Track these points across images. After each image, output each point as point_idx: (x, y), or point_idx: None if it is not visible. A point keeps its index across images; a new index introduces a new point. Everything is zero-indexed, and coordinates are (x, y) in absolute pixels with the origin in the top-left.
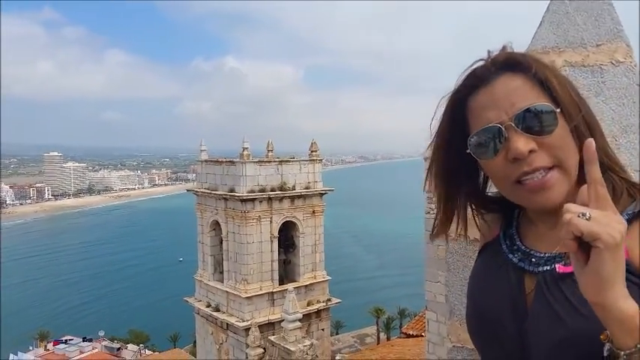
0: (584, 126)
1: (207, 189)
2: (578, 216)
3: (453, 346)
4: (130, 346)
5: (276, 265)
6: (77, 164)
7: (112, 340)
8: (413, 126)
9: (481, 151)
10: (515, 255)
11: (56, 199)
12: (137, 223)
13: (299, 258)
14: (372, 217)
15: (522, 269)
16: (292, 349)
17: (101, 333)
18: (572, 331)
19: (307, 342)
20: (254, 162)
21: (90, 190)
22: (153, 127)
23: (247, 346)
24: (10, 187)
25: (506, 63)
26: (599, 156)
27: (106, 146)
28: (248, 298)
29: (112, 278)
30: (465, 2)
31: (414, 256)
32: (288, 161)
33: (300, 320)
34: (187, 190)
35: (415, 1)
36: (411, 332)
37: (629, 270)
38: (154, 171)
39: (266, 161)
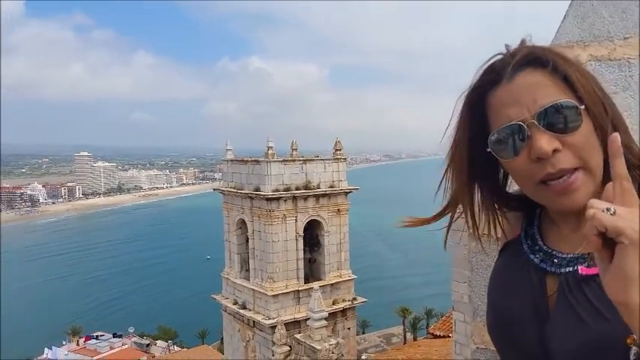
0: (609, 123)
1: (233, 188)
2: (603, 211)
3: (477, 347)
4: (159, 343)
5: (301, 263)
6: (107, 164)
7: (141, 336)
8: (439, 124)
9: (502, 150)
10: (537, 255)
11: (87, 198)
12: (165, 221)
13: (324, 257)
14: (397, 215)
15: (544, 270)
16: (318, 347)
17: (131, 329)
18: (595, 334)
19: (333, 341)
20: (278, 161)
21: (119, 189)
22: (180, 127)
23: (273, 343)
24: (43, 186)
25: (527, 58)
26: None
27: (134, 146)
28: (274, 296)
29: (140, 275)
30: None
31: (441, 255)
32: (313, 160)
33: (325, 319)
34: (214, 189)
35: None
36: (438, 333)
37: None
38: (181, 170)
39: (290, 160)
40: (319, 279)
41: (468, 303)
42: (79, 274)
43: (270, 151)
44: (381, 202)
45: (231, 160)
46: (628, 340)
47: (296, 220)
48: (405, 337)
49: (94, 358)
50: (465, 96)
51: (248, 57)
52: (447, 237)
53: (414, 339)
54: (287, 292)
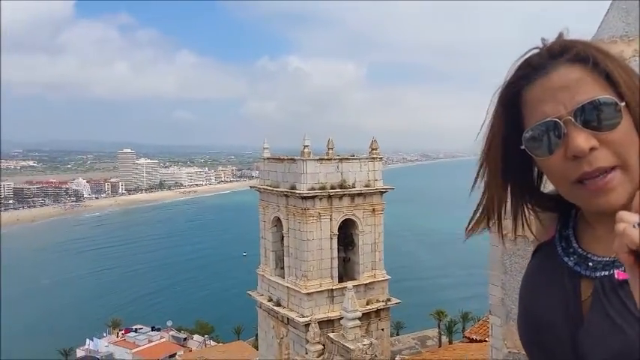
0: None
1: (270, 186)
2: (634, 226)
3: (509, 351)
4: (196, 337)
5: (335, 262)
6: (149, 161)
7: (178, 330)
8: (478, 123)
9: (537, 148)
10: (571, 258)
11: (129, 194)
12: (204, 217)
13: (358, 256)
14: (434, 216)
15: (578, 274)
16: (351, 347)
17: (169, 323)
18: (630, 342)
19: (366, 341)
20: (314, 160)
21: (161, 186)
22: (220, 125)
23: (307, 341)
24: (87, 181)
25: (564, 52)
26: None
27: (176, 144)
28: (308, 294)
29: (179, 269)
30: None
31: (479, 256)
32: (349, 159)
33: (359, 319)
34: (250, 187)
35: None
36: (474, 337)
37: None
38: (220, 168)
39: (326, 159)
40: (353, 278)
41: (501, 306)
42: (120, 268)
43: (306, 150)
44: (418, 203)
45: (268, 159)
46: None
47: (331, 219)
48: (440, 341)
49: (133, 350)
50: (499, 92)
51: (287, 56)
52: (471, 228)
53: (450, 342)
54: (321, 291)
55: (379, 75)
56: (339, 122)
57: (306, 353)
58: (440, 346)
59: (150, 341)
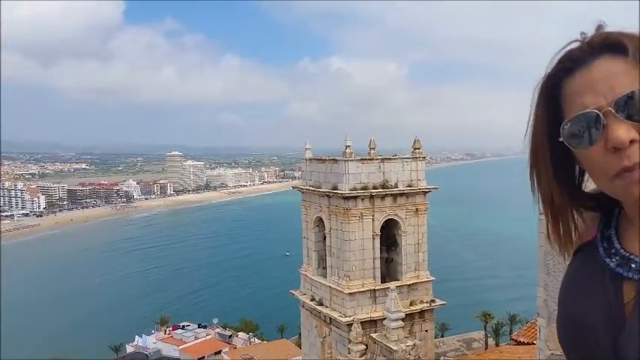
0: None
1: (312, 186)
2: None
3: (552, 353)
4: (241, 334)
5: (378, 262)
6: (196, 162)
7: (224, 327)
8: (526, 120)
9: (576, 140)
10: (613, 259)
11: (177, 195)
12: (248, 217)
13: (401, 257)
14: (481, 216)
15: (620, 275)
16: (394, 348)
17: (215, 320)
18: None
19: (410, 342)
20: (356, 160)
21: (207, 187)
22: (263, 127)
23: (349, 341)
24: (137, 183)
25: (605, 44)
26: None
27: (221, 146)
28: (350, 294)
29: (224, 268)
30: None
31: (526, 257)
32: (391, 159)
33: (402, 320)
34: (293, 187)
35: None
36: (521, 339)
37: None
38: (263, 169)
39: (368, 159)
40: (396, 279)
41: (544, 307)
42: (168, 266)
43: (347, 150)
44: (463, 202)
45: (310, 159)
46: None
47: (373, 219)
48: (486, 343)
49: (180, 347)
50: (539, 86)
51: (328, 58)
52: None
53: (497, 345)
54: (363, 291)
55: (421, 73)
56: (381, 122)
57: (349, 353)
58: (486, 348)
59: (196, 338)
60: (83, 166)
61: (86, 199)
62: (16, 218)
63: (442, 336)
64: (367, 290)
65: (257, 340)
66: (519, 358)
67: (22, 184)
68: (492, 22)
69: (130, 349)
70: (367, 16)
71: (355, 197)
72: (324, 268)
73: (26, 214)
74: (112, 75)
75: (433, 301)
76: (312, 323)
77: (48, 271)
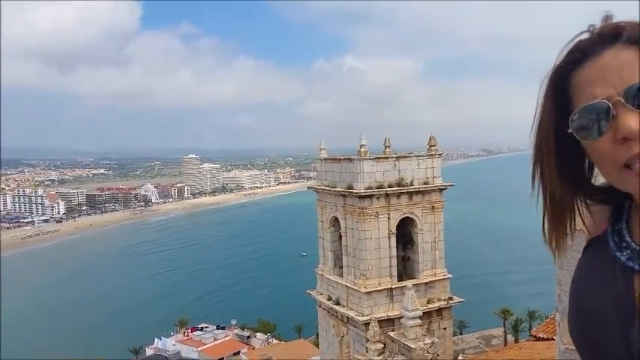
0: None
1: (327, 186)
2: None
3: (566, 348)
4: (259, 335)
5: (394, 261)
6: (212, 165)
7: (242, 328)
8: None
9: (585, 131)
10: (624, 253)
11: (194, 197)
12: (264, 218)
13: (418, 255)
14: (500, 211)
15: (631, 269)
16: (412, 346)
17: (233, 321)
18: None
19: (428, 340)
20: (371, 159)
21: (223, 189)
22: (278, 128)
23: (367, 340)
24: (155, 186)
25: (615, 34)
26: None
27: (236, 148)
28: (367, 293)
29: (241, 269)
30: None
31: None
32: (406, 157)
33: (420, 318)
34: (308, 188)
35: None
36: (541, 335)
37: None
38: (278, 170)
39: (383, 157)
40: (413, 277)
41: (558, 303)
42: (186, 268)
43: (362, 149)
44: (480, 199)
45: (325, 159)
46: None
47: (389, 218)
48: (505, 339)
49: (199, 348)
50: (548, 77)
51: (342, 57)
52: (544, 227)
53: (516, 341)
54: (380, 290)
55: (437, 69)
56: (396, 119)
57: (367, 352)
58: (505, 344)
59: (215, 339)
60: (102, 171)
61: (105, 203)
62: (36, 224)
63: (461, 333)
64: (384, 289)
65: (275, 341)
66: (539, 354)
67: (42, 190)
68: (511, 17)
69: (149, 351)
70: (380, 15)
71: (370, 196)
72: (341, 267)
73: (46, 220)
74: (129, 80)
75: (451, 298)
76: (329, 323)
77: (68, 276)
